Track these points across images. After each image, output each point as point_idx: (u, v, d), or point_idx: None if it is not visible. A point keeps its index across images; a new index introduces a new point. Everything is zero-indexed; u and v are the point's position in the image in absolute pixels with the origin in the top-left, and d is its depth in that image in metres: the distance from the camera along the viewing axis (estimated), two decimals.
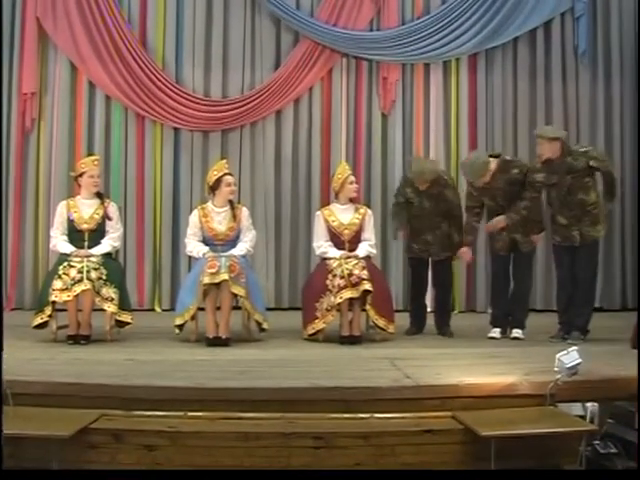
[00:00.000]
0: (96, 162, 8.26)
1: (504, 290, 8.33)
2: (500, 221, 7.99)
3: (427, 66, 10.67)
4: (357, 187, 8.47)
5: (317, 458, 5.40)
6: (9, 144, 10.11)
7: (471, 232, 8.36)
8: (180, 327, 7.81)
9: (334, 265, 7.87)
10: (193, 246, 8.05)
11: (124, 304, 7.84)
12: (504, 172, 8.05)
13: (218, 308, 7.72)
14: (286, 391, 5.88)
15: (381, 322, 7.93)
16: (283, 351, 7.46)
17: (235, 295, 7.71)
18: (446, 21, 10.53)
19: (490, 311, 8.60)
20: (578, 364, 5.87)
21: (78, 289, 7.53)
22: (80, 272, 7.58)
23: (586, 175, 7.84)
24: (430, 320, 8.61)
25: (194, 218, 8.14)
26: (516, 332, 8.15)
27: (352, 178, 8.31)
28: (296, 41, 10.52)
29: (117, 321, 7.84)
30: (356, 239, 8.17)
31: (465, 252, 8.37)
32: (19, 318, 8.68)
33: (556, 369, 5.89)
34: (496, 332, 8.21)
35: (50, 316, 7.67)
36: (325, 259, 8.09)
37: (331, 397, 5.80)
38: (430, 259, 8.50)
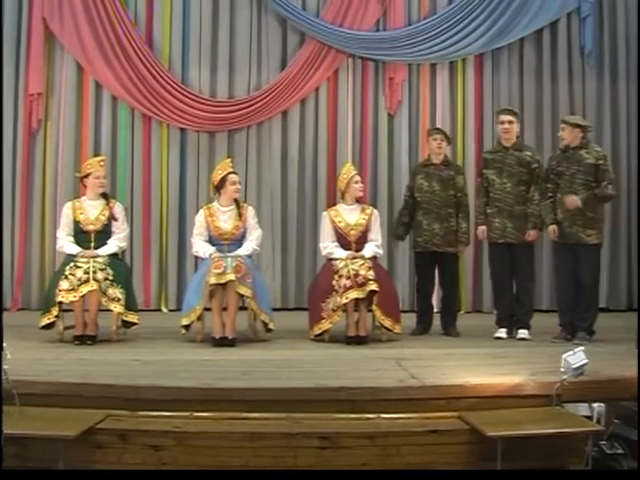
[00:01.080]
0: (102, 163, 8.25)
1: (506, 290, 8.36)
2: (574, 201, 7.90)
3: (433, 66, 10.66)
4: (363, 187, 8.46)
5: (323, 458, 5.41)
6: (15, 145, 10.13)
7: (483, 213, 8.38)
8: (186, 327, 7.82)
9: (340, 265, 7.87)
10: (199, 246, 8.06)
11: (130, 304, 7.86)
12: (518, 150, 8.29)
13: (224, 308, 7.72)
14: (292, 391, 5.88)
15: (387, 322, 7.93)
16: (289, 351, 7.46)
17: (241, 295, 7.71)
18: (452, 21, 10.53)
19: (495, 312, 8.60)
20: (584, 364, 5.87)
21: (84, 290, 7.54)
22: (86, 273, 7.58)
23: (592, 173, 7.86)
24: (436, 320, 8.62)
25: (200, 218, 8.15)
26: (522, 333, 8.16)
27: (357, 178, 8.32)
28: (302, 41, 10.52)
29: (123, 321, 7.85)
30: (362, 239, 8.17)
31: (481, 231, 8.43)
32: (25, 318, 8.72)
33: (562, 369, 5.89)
34: (502, 332, 8.23)
35: (57, 316, 7.68)
36: (331, 259, 8.09)
37: (337, 397, 5.80)
38: (435, 255, 8.49)
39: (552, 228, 7.95)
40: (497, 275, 8.44)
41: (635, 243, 10.60)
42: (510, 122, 8.28)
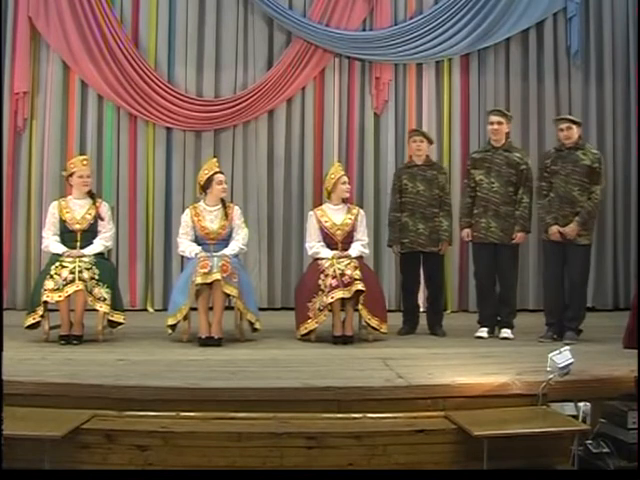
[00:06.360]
0: (85, 162, 8.20)
1: (489, 290, 8.40)
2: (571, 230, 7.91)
3: (420, 66, 10.66)
4: (349, 187, 8.47)
5: (309, 458, 5.40)
6: (1, 143, 10.07)
7: (468, 215, 8.36)
8: (172, 327, 7.80)
9: (326, 265, 7.87)
10: (185, 246, 8.04)
11: (116, 304, 7.83)
12: (508, 151, 8.29)
13: (210, 308, 7.71)
14: (278, 391, 5.88)
15: (374, 322, 7.93)
16: (275, 351, 7.46)
17: (227, 295, 7.70)
18: (439, 21, 10.53)
19: (478, 311, 8.61)
20: (570, 364, 5.89)
21: (70, 290, 7.52)
22: (72, 272, 7.56)
23: (587, 174, 7.89)
24: (422, 320, 8.62)
25: (186, 217, 8.13)
26: (505, 332, 8.20)
27: (345, 178, 8.32)
28: (289, 41, 10.51)
29: (109, 321, 7.84)
30: (349, 239, 8.18)
31: (466, 233, 8.39)
32: (11, 318, 8.63)
33: (548, 369, 5.92)
34: (483, 332, 8.25)
35: (42, 316, 7.66)
36: (317, 259, 8.09)
37: (323, 397, 5.80)
38: (421, 255, 8.50)
39: (556, 229, 7.89)
40: (480, 275, 8.45)
41: (621, 243, 10.69)
42: (499, 123, 8.29)
